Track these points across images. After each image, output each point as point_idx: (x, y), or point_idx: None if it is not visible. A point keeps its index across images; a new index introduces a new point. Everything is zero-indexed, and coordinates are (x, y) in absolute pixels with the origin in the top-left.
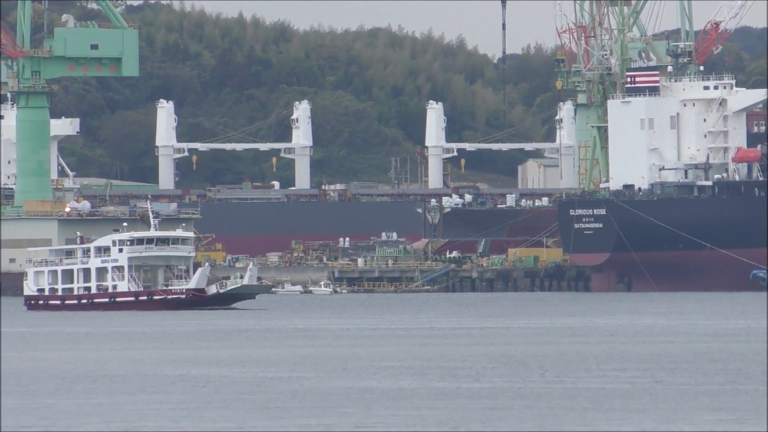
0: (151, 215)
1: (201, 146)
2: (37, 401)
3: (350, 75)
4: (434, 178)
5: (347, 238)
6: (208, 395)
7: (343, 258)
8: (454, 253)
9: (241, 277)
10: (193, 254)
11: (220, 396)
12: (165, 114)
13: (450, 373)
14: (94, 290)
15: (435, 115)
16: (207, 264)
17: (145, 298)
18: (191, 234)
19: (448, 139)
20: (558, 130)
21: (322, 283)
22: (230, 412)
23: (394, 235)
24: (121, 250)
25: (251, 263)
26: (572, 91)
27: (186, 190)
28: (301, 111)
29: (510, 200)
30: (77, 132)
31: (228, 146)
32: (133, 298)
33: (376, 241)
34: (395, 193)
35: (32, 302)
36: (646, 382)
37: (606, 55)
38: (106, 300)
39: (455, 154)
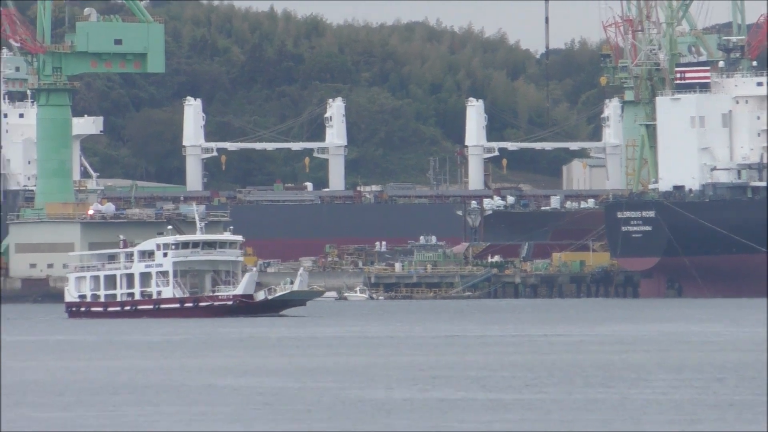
0: (197, 216)
1: (230, 146)
2: (71, 413)
3: (386, 71)
4: (475, 178)
5: (384, 242)
6: (261, 408)
7: (380, 263)
8: (496, 258)
9: (291, 282)
10: (241, 258)
11: (274, 409)
12: (192, 112)
13: (495, 384)
14: (137, 296)
15: (475, 113)
16: (255, 269)
17: (190, 304)
18: (239, 237)
19: (489, 138)
20: (604, 129)
21: (357, 288)
22: (285, 424)
23: (433, 239)
24: (165, 255)
25: (302, 268)
26: (619, 87)
27: (215, 191)
28: (335, 109)
29: (554, 202)
30: (100, 131)
31: (258, 146)
32: (178, 305)
33: (414, 245)
34: (434, 194)
35: (74, 309)
36: (698, 393)
37: (654, 49)
38: (150, 307)
39: (496, 153)
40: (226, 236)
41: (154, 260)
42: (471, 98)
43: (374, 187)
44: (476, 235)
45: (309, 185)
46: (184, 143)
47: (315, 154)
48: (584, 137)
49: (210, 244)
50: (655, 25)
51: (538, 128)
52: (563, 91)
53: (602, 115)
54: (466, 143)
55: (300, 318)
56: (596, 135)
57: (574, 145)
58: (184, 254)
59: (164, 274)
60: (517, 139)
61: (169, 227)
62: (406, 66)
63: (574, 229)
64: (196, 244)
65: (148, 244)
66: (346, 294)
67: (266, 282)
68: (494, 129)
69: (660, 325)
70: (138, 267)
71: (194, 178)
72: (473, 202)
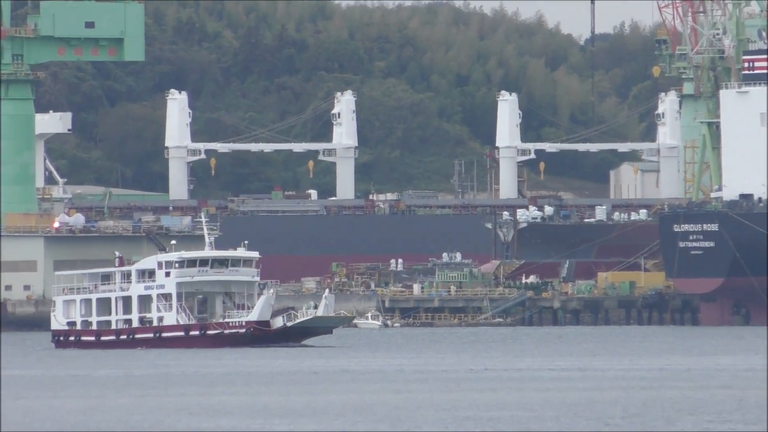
0: (205, 229)
1: (221, 147)
2: None
3: (404, 60)
4: (507, 185)
5: (400, 260)
6: None
7: (396, 284)
8: (532, 278)
9: (315, 307)
10: (257, 278)
11: None
12: (177, 107)
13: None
14: (135, 323)
15: (508, 109)
16: (272, 290)
17: (197, 332)
18: (255, 254)
19: (524, 139)
20: (658, 127)
21: (369, 314)
22: None
23: (458, 256)
24: (168, 274)
25: (327, 290)
26: (676, 79)
27: (203, 200)
28: (344, 104)
29: (600, 213)
30: (69, 129)
31: (254, 147)
32: (182, 333)
33: (435, 264)
34: (459, 204)
35: (61, 338)
36: None
37: (718, 34)
38: (151, 335)
39: (533, 156)
40: (240, 252)
41: (154, 281)
42: (503, 91)
43: (389, 196)
44: (508, 252)
45: (313, 193)
46: (167, 144)
47: (320, 157)
48: (635, 137)
49: (221, 262)
50: (720, 6)
51: (581, 127)
52: (611, 83)
53: (656, 112)
54: (497, 144)
55: (325, 348)
56: (649, 134)
57: (623, 147)
58: (190, 274)
59: (167, 297)
60: (557, 139)
61: (173, 242)
62: (427, 54)
63: (623, 244)
64: (204, 262)
65: (148, 262)
66: (355, 321)
67: (284, 306)
68: (530, 128)
69: (724, 357)
70: (136, 289)
71: (179, 184)
72: (505, 213)
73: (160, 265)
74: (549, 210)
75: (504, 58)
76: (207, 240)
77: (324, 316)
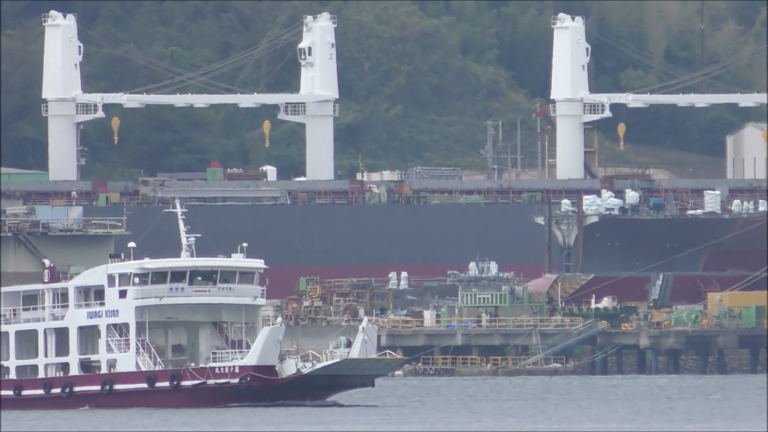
0: (182, 225)
1: (128, 100)
2: None
3: None
4: (568, 160)
5: (404, 273)
6: None
7: (398, 310)
8: (606, 302)
9: (348, 345)
10: (262, 301)
11: None
12: (60, 38)
13: None
14: (74, 370)
15: (569, 41)
16: (279, 319)
17: (166, 384)
18: (260, 263)
19: (594, 88)
20: None
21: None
22: None
23: (493, 268)
24: (123, 294)
25: (366, 319)
26: None
27: (100, 182)
28: (317, 34)
29: (711, 201)
30: None
31: (179, 100)
32: (145, 386)
33: (458, 279)
34: (494, 188)
35: None
36: None
37: None
38: (97, 388)
39: (607, 114)
40: (237, 260)
41: (103, 304)
42: (562, 15)
43: (387, 175)
44: (570, 261)
45: (270, 171)
46: (45, 95)
47: (281, 116)
48: (764, 86)
49: (205, 276)
50: None
51: (682, 69)
52: (728, 4)
53: None
54: (553, 96)
55: (361, 409)
56: None
57: (747, 100)
58: (156, 293)
59: (121, 329)
60: (645, 88)
61: (132, 243)
62: None
63: (745, 250)
64: (179, 275)
65: (94, 275)
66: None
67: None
68: (603, 71)
69: None
70: (75, 317)
71: (63, 158)
72: (565, 201)
73: (111, 279)
74: (632, 197)
75: None
76: (184, 241)
77: (361, 359)
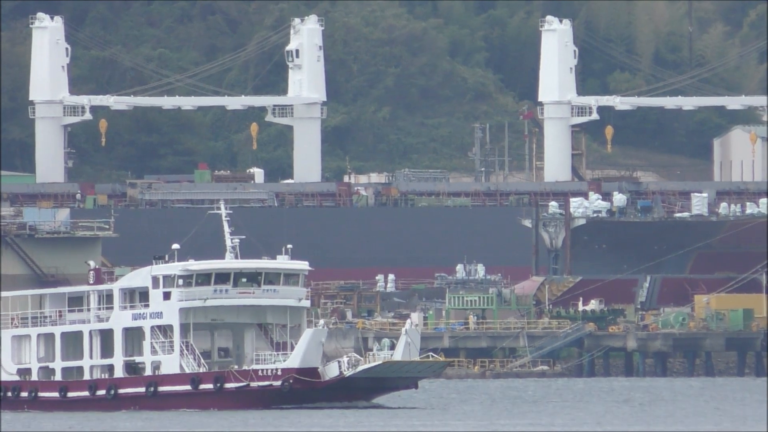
0: (226, 226)
1: (116, 102)
2: None
3: None
4: (555, 162)
5: (391, 276)
6: None
7: (385, 312)
8: (593, 304)
9: (392, 348)
10: (307, 303)
11: None
12: (47, 40)
13: None
14: (119, 372)
15: (557, 43)
16: (321, 321)
17: (209, 386)
18: (304, 265)
19: (582, 91)
20: None
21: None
22: None
23: (480, 270)
24: (167, 296)
25: (410, 320)
26: None
27: (88, 184)
28: (305, 36)
29: (698, 204)
30: None
31: (167, 102)
32: (189, 388)
33: (445, 281)
34: (482, 190)
35: (8, 395)
36: None
37: None
38: (142, 390)
39: (595, 117)
40: (282, 263)
41: (148, 306)
42: (549, 17)
43: (374, 178)
44: (557, 263)
45: (258, 173)
46: (32, 97)
47: (269, 118)
48: (753, 88)
49: (251, 278)
50: None
51: (670, 72)
52: (716, 6)
53: None
54: (541, 98)
55: (404, 411)
56: None
57: (734, 102)
58: (201, 295)
59: (165, 331)
60: (633, 90)
61: (176, 245)
62: None
63: (733, 252)
64: (223, 277)
65: (138, 277)
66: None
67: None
68: (591, 73)
69: None
70: (120, 318)
71: (50, 160)
72: (552, 203)
73: (155, 281)
74: (620, 199)
75: None
76: (228, 243)
77: (403, 361)
